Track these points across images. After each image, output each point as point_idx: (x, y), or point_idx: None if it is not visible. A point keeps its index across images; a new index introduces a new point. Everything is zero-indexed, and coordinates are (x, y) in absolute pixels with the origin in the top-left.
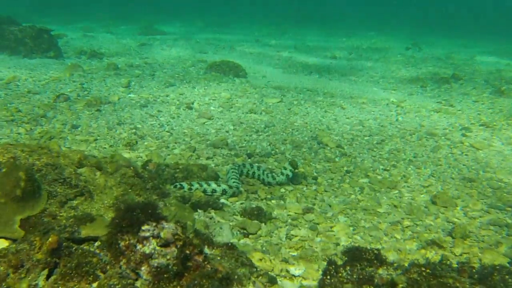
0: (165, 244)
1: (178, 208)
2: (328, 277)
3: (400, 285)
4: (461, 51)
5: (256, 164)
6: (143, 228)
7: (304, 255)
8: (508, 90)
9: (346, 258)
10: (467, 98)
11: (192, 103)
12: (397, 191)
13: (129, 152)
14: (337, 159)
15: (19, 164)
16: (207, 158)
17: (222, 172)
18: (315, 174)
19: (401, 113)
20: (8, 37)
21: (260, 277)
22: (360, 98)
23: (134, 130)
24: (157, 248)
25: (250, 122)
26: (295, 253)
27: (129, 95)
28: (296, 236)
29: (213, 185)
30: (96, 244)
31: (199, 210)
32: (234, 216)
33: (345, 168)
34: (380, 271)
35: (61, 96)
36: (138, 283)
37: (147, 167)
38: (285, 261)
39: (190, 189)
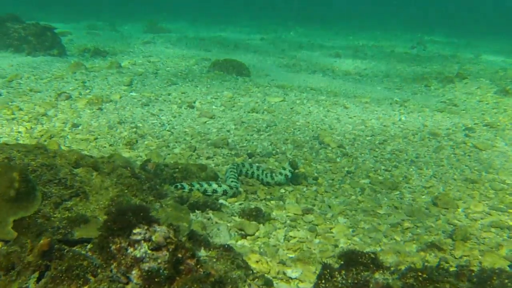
0: (157, 248)
1: (174, 209)
2: (323, 281)
3: None
4: (466, 50)
5: (256, 164)
6: (134, 231)
7: (301, 257)
8: None
9: (342, 262)
10: (471, 97)
11: (194, 102)
12: (398, 192)
13: (129, 151)
14: (338, 160)
15: (14, 164)
16: (207, 158)
17: (221, 172)
18: (315, 174)
19: (404, 113)
20: (11, 35)
21: (256, 279)
22: (364, 97)
23: (134, 129)
24: (148, 251)
25: (252, 121)
26: (292, 255)
27: (131, 94)
28: (294, 237)
29: (214, 186)
30: (89, 246)
31: (197, 211)
32: (233, 217)
33: (346, 169)
34: (376, 275)
35: (63, 95)
36: (128, 287)
37: (146, 167)
38: (282, 263)
39: (191, 189)
